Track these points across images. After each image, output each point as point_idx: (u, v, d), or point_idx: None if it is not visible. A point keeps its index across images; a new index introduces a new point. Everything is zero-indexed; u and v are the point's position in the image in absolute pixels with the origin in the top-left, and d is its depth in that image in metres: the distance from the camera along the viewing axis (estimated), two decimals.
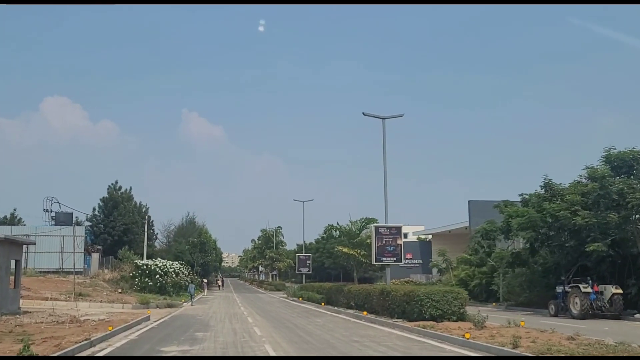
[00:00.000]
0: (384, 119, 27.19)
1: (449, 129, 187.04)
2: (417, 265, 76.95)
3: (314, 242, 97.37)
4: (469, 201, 56.74)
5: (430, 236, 79.53)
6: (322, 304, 34.89)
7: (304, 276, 53.39)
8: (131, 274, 48.68)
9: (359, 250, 32.59)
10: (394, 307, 22.63)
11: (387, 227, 26.90)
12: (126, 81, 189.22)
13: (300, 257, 54.33)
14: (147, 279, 47.13)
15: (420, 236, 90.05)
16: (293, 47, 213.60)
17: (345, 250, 31.95)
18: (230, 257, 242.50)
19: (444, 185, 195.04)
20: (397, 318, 21.87)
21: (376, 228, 26.89)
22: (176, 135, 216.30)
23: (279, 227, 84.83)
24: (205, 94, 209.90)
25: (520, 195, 35.67)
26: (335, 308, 31.59)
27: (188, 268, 66.65)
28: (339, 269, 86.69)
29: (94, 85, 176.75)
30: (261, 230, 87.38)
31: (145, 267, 48.21)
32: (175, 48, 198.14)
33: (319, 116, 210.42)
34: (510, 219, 34.45)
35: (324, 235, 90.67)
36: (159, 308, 37.15)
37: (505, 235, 37.17)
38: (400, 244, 26.92)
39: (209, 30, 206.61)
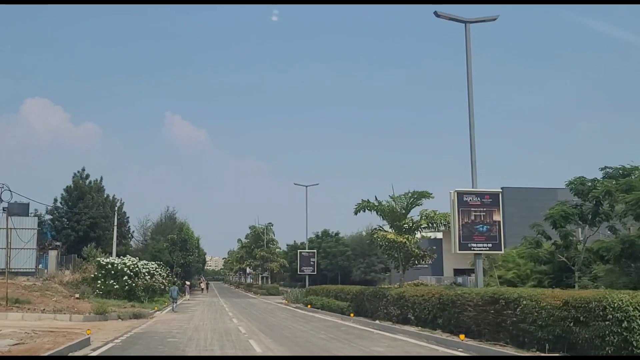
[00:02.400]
0: (466, 22, 16.79)
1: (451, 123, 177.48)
2: (426, 265, 66.33)
3: (306, 242, 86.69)
4: (502, 188, 46.30)
5: (439, 234, 69.17)
6: (351, 314, 24.09)
7: (307, 277, 42.61)
8: (92, 275, 37.83)
9: (409, 237, 21.80)
10: (533, 329, 11.89)
11: (478, 194, 16.35)
12: (108, 83, 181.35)
13: (303, 254, 43.43)
14: (112, 280, 36.37)
15: (424, 234, 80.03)
16: (279, 51, 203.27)
17: (390, 236, 21.14)
18: (214, 260, 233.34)
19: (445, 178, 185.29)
20: (550, 351, 11.19)
21: (459, 195, 16.21)
22: (159, 138, 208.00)
23: (269, 223, 73.74)
24: (188, 97, 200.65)
25: (602, 170, 25.50)
26: (378, 322, 20.77)
27: (167, 269, 56.45)
28: (336, 270, 75.92)
29: (76, 87, 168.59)
30: (250, 227, 76.17)
31: (110, 266, 37.27)
32: (158, 51, 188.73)
33: (306, 119, 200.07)
34: (607, 196, 23.90)
35: (319, 234, 80.00)
36: (121, 320, 26.96)
37: (591, 221, 26.65)
38: (498, 222, 16.39)
39: (192, 34, 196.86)
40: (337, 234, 78.21)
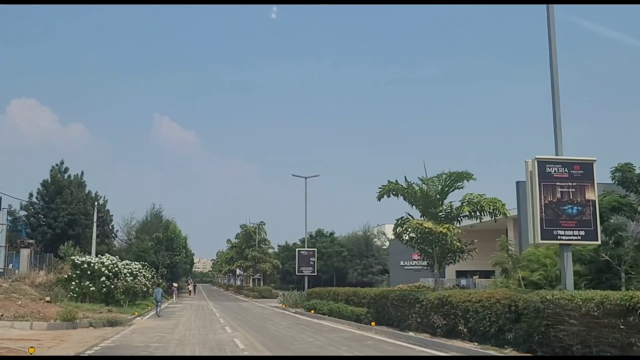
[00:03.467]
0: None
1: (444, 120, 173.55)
2: (426, 267, 62.05)
3: (298, 242, 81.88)
4: (517, 182, 42.00)
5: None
6: (372, 323, 19.55)
7: (306, 279, 37.78)
8: (66, 276, 33.28)
9: (450, 226, 17.24)
10: None
11: (565, 163, 11.94)
12: (96, 84, 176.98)
13: (302, 252, 38.27)
14: (88, 282, 31.81)
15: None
16: (269, 50, 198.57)
17: (427, 225, 16.55)
18: (202, 262, 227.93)
19: None
20: None
21: (541, 165, 11.76)
22: (148, 140, 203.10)
23: (261, 222, 68.75)
24: (177, 98, 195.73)
25: None
26: (412, 334, 16.25)
27: (152, 270, 51.71)
28: (332, 272, 71.21)
29: (64, 88, 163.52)
30: (241, 226, 70.93)
31: (86, 266, 32.66)
32: (145, 52, 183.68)
33: (297, 118, 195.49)
34: None
35: (313, 234, 75.34)
36: (93, 327, 22.69)
37: None
38: (592, 201, 11.99)
39: (180, 35, 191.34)
40: (332, 233, 73.78)
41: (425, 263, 65.24)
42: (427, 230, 16.71)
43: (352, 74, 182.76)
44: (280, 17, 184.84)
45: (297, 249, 39.60)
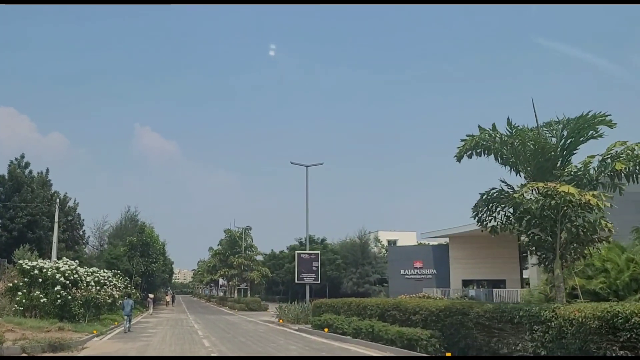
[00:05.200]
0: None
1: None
2: (430, 276, 55.60)
3: (286, 251, 74.89)
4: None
5: (445, 239, 58.50)
6: (448, 354, 12.94)
7: (308, 288, 30.83)
8: (10, 284, 26.56)
9: (602, 194, 10.25)
10: None
11: None
12: (75, 93, 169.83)
13: (303, 256, 31.22)
14: (39, 292, 25.03)
15: (421, 241, 69.00)
16: (250, 58, 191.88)
17: (567, 190, 9.66)
18: (183, 274, 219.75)
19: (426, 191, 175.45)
20: None
21: None
22: (128, 149, 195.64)
23: (248, 227, 61.60)
24: (158, 108, 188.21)
25: None
26: None
27: (125, 279, 44.92)
28: (324, 281, 64.12)
29: (43, 97, 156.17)
30: (225, 232, 63.34)
31: (38, 272, 25.90)
32: (125, 61, 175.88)
33: (280, 126, 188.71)
34: None
35: (302, 240, 68.49)
36: (26, 354, 15.94)
37: None
38: None
39: (161, 44, 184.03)
40: (323, 240, 66.91)
41: (429, 272, 57.97)
42: (567, 195, 9.83)
43: (345, 78, 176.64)
44: (263, 24, 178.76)
45: (296, 252, 32.31)
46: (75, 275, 27.59)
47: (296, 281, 31.40)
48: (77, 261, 29.54)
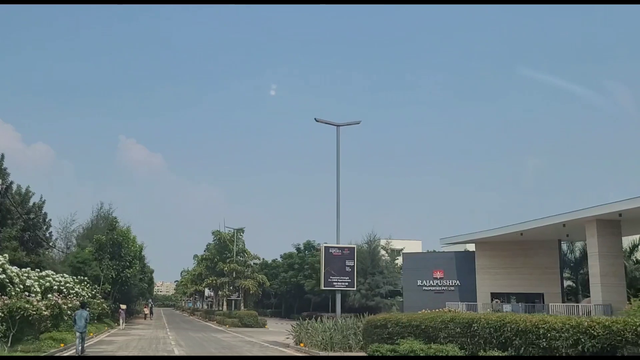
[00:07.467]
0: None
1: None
2: (453, 287, 47.17)
3: (279, 259, 65.99)
4: None
5: (470, 245, 50.04)
6: None
7: (338, 298, 21.51)
8: None
9: None
10: None
11: None
12: (60, 104, 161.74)
13: (332, 251, 20.77)
14: None
15: (434, 249, 60.54)
16: (236, 70, 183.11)
17: None
18: (166, 286, 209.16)
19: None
20: None
21: None
22: (113, 162, 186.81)
23: (240, 228, 52.15)
24: (143, 120, 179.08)
25: None
26: None
27: (94, 287, 36.10)
28: (326, 293, 54.87)
29: (27, 107, 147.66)
30: (213, 234, 53.03)
31: None
32: (110, 72, 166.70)
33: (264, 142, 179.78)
34: None
35: (300, 246, 59.61)
36: None
37: None
38: None
39: (145, 56, 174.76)
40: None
41: (452, 283, 48.08)
42: None
43: (322, 93, 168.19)
44: (248, 37, 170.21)
45: (323, 245, 21.99)
46: (4, 281, 18.86)
47: (322, 287, 21.99)
48: (5, 255, 20.53)
